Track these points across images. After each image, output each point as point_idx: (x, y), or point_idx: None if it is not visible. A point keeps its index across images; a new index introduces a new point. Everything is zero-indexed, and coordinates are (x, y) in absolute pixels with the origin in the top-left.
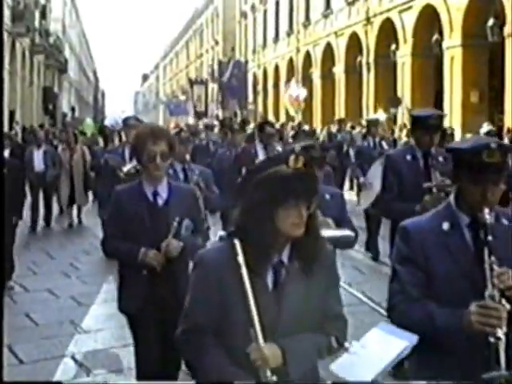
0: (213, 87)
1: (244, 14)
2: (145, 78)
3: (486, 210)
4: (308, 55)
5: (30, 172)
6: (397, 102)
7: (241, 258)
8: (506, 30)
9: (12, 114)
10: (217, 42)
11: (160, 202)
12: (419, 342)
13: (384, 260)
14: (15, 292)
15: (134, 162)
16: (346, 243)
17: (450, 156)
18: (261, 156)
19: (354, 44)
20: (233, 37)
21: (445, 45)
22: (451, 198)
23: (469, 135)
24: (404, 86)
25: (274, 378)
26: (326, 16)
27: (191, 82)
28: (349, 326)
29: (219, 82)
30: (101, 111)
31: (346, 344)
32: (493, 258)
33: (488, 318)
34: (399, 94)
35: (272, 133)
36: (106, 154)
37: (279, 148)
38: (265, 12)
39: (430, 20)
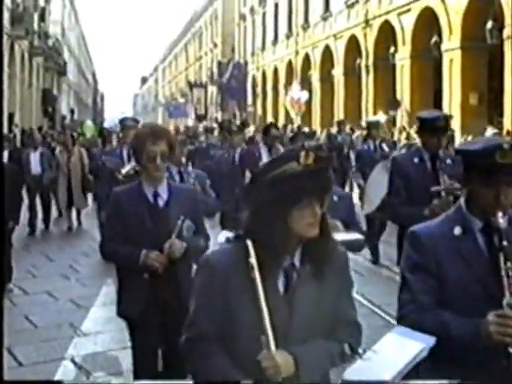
0: (212, 90)
1: (243, 17)
2: (144, 80)
3: (500, 214)
4: (307, 58)
5: (27, 175)
6: (396, 104)
7: (253, 260)
8: (505, 32)
9: (11, 116)
10: (216, 45)
11: (161, 203)
12: (432, 352)
13: (384, 263)
14: (14, 294)
15: (133, 164)
16: (355, 246)
17: (458, 158)
18: (265, 158)
19: (353, 46)
20: (232, 39)
21: (444, 47)
22: (462, 201)
23: (469, 138)
24: (403, 89)
25: None
26: (325, 18)
27: (191, 85)
28: None
29: (219, 82)
30: (100, 113)
31: (360, 350)
32: (509, 264)
33: (507, 328)
34: (398, 96)
35: (277, 135)
36: (103, 156)
37: (283, 150)
38: (264, 14)
39: (428, 22)
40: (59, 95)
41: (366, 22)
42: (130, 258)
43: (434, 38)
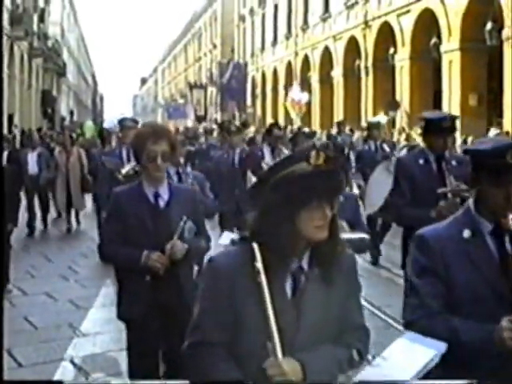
0: (211, 91)
1: (242, 18)
2: (143, 81)
3: (511, 216)
4: (306, 59)
5: (25, 175)
6: (395, 105)
7: (259, 264)
8: (505, 33)
9: (11, 117)
10: (215, 46)
11: (161, 203)
12: (443, 359)
13: (384, 264)
14: (14, 295)
15: (133, 163)
16: (360, 246)
17: (464, 159)
18: (267, 158)
19: (353, 48)
20: (231, 40)
21: (443, 48)
22: (470, 203)
23: (469, 138)
24: (402, 90)
25: None
26: (324, 20)
27: (191, 86)
28: None
29: (219, 83)
30: (99, 115)
31: (369, 356)
32: None
33: None
34: (398, 97)
35: (279, 135)
36: (103, 157)
37: (285, 151)
38: (263, 16)
39: (428, 24)
40: (59, 96)
41: (366, 23)
42: (130, 260)
43: (434, 40)
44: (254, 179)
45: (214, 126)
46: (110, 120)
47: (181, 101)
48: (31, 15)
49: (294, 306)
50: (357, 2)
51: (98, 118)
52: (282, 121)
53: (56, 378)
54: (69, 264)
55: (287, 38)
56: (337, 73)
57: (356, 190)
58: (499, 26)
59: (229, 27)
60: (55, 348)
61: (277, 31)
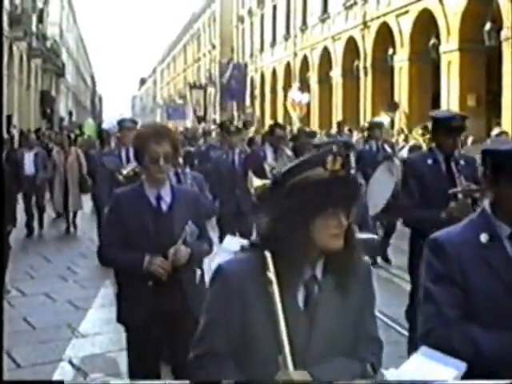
0: (210, 91)
1: (241, 19)
2: (142, 82)
3: None
4: (305, 59)
5: (21, 175)
6: (394, 106)
7: (272, 274)
8: (503, 34)
9: (9, 117)
10: (214, 46)
11: (164, 206)
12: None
13: (382, 264)
14: (12, 296)
15: (134, 164)
16: (369, 247)
17: (471, 160)
18: (269, 159)
19: (351, 48)
20: (230, 41)
21: (442, 49)
22: (486, 205)
23: (470, 139)
24: (401, 91)
25: None
26: (323, 20)
27: (190, 87)
28: None
29: (219, 82)
30: (98, 115)
31: (383, 371)
32: None
33: None
34: (396, 98)
35: (281, 135)
36: (104, 157)
37: (288, 151)
38: (262, 16)
39: (427, 24)
40: (57, 97)
41: (364, 23)
42: (132, 264)
43: (432, 40)
44: (255, 180)
45: (213, 127)
46: (108, 120)
47: (180, 101)
48: (30, 16)
49: (306, 318)
50: (355, 3)
51: (97, 118)
52: (280, 121)
53: (55, 378)
54: (68, 264)
55: (286, 38)
56: (336, 73)
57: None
58: (498, 26)
59: (228, 28)
60: (54, 348)
61: (276, 32)
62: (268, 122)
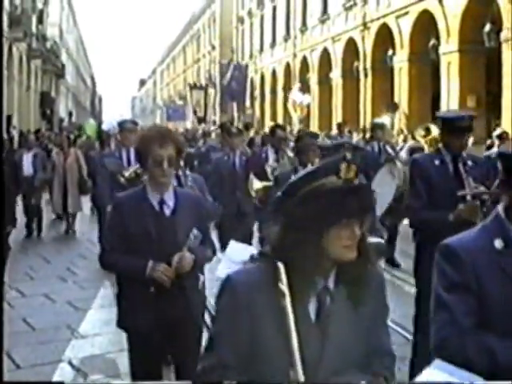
0: (210, 92)
1: (241, 19)
2: (142, 83)
3: None
4: (305, 60)
5: (20, 176)
6: (394, 107)
7: (285, 286)
8: (503, 35)
9: (9, 118)
10: (214, 47)
11: (167, 211)
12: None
13: (386, 267)
14: (12, 297)
15: (134, 166)
16: (378, 252)
17: (479, 160)
18: (271, 161)
19: (351, 49)
20: (230, 42)
21: (442, 50)
22: (500, 209)
23: (470, 139)
24: (401, 92)
25: None
26: (322, 21)
27: (191, 87)
28: None
29: (220, 83)
30: (98, 116)
31: None
32: None
33: None
34: (396, 99)
35: (283, 136)
36: (105, 159)
37: (289, 153)
38: (262, 17)
39: (426, 25)
40: (57, 98)
41: (364, 24)
42: (134, 270)
43: (432, 41)
44: (255, 182)
45: (213, 128)
46: (108, 122)
47: (180, 102)
48: (30, 16)
49: (318, 329)
50: (355, 4)
51: (97, 119)
52: (280, 122)
53: (54, 379)
54: (67, 265)
55: (286, 39)
56: (335, 74)
57: None
58: (498, 27)
59: (227, 29)
60: (53, 349)
61: (275, 33)
62: (268, 122)
